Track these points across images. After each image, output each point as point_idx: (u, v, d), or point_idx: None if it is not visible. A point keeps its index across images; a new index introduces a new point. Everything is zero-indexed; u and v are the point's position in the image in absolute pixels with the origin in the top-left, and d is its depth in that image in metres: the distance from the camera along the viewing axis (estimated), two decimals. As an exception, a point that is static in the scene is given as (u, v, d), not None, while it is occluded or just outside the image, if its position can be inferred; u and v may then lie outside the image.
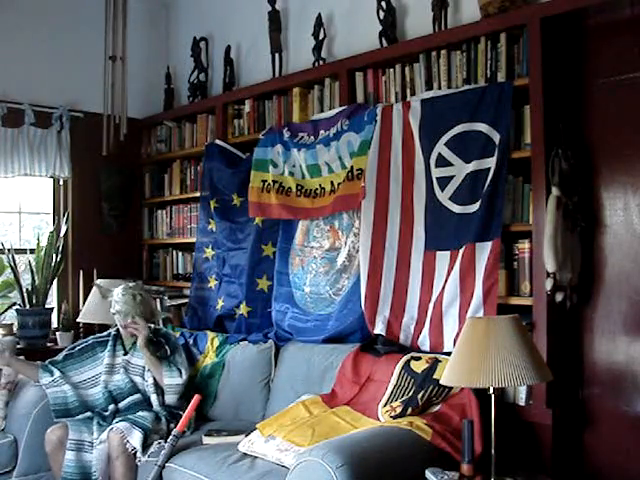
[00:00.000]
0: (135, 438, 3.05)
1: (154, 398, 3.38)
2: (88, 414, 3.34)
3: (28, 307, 4.28)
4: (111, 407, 3.35)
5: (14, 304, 4.35)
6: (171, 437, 3.03)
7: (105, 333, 3.63)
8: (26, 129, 4.35)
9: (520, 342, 2.32)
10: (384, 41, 3.47)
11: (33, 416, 3.36)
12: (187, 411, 3.16)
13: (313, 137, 3.66)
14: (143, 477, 3.01)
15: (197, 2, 4.86)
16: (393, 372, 2.96)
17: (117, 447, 3.04)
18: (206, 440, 3.13)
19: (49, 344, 4.36)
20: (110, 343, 3.52)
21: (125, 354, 3.50)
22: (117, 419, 3.23)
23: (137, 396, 3.41)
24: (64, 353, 3.53)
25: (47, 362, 3.47)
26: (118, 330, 3.55)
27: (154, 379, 3.40)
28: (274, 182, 3.76)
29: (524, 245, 2.89)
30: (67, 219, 4.60)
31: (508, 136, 2.89)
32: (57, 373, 3.39)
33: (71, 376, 3.44)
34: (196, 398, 3.21)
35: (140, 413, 3.27)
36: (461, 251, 2.96)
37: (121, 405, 3.39)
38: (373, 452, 2.39)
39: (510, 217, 2.95)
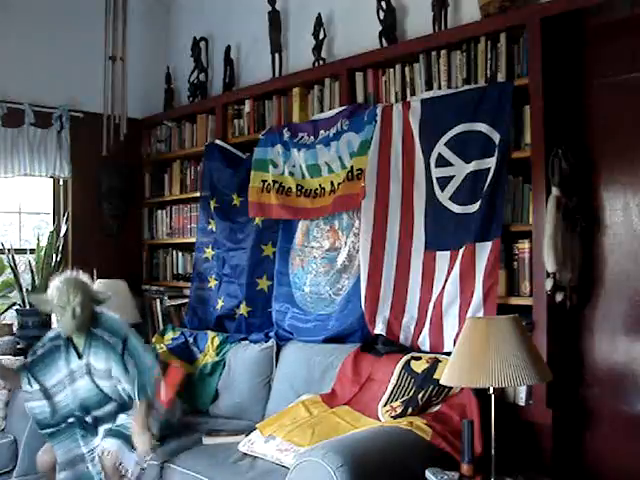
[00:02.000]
0: (130, 461, 2.95)
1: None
2: (70, 420, 3.13)
3: (28, 307, 4.27)
4: (88, 418, 3.15)
5: (14, 304, 4.35)
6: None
7: (56, 334, 3.23)
8: (26, 129, 4.35)
9: (520, 342, 2.32)
10: (384, 41, 3.46)
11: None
12: (168, 383, 3.03)
13: (313, 137, 3.66)
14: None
15: (197, 2, 4.86)
16: (393, 372, 2.96)
17: (111, 468, 2.95)
18: (206, 440, 3.13)
19: (49, 344, 4.35)
20: (63, 349, 3.17)
21: (80, 357, 3.14)
22: (100, 428, 3.10)
23: (113, 404, 3.18)
24: (29, 360, 3.22)
25: (23, 371, 3.18)
26: None
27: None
28: (274, 182, 3.76)
29: (524, 245, 2.89)
30: (67, 219, 4.60)
31: (508, 136, 2.89)
32: (35, 386, 3.14)
33: (42, 382, 3.16)
34: (175, 371, 3.07)
35: (124, 422, 3.10)
36: (461, 251, 2.96)
37: (98, 414, 3.17)
38: (373, 452, 2.40)
39: (510, 217, 2.94)
